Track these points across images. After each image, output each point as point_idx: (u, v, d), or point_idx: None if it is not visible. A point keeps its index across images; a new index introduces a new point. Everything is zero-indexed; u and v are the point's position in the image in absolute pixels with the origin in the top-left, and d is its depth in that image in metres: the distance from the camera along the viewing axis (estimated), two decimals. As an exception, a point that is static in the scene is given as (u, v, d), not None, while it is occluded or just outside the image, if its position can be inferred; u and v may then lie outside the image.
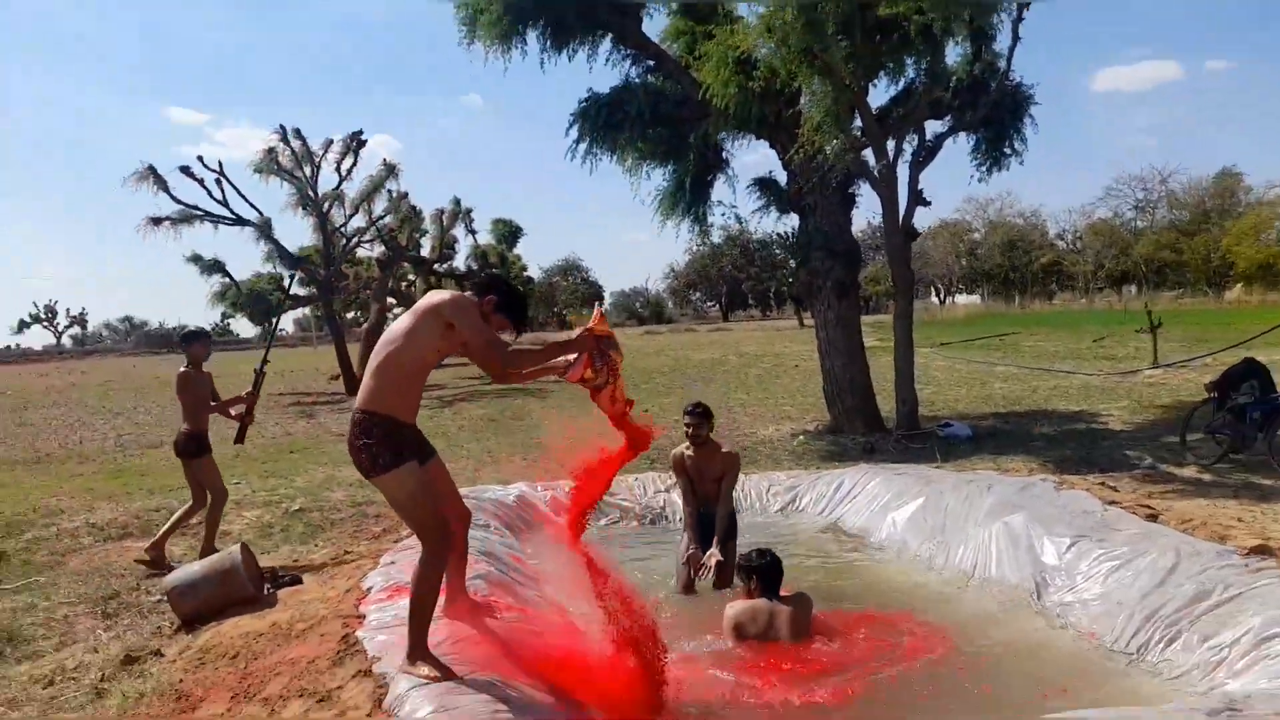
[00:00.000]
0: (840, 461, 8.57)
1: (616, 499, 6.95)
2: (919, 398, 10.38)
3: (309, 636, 4.08)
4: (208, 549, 5.74)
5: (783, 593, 4.33)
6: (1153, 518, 5.13)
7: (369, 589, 4.49)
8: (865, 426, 10.20)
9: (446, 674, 3.25)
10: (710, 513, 5.29)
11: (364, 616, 4.10)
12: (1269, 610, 3.66)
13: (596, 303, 4.40)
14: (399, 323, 3.47)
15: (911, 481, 6.36)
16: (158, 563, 5.80)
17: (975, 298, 47.55)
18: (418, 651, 3.32)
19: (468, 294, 3.54)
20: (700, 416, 5.21)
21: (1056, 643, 4.22)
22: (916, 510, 5.99)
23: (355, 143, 21.06)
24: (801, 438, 10.25)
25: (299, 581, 5.25)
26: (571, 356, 3.50)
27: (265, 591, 5.07)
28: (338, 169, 21.06)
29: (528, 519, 6.49)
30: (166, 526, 6.03)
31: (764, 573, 4.33)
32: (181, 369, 5.97)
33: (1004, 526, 5.19)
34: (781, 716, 3.59)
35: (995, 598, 4.80)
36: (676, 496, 7.02)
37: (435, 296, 3.44)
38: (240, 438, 6.18)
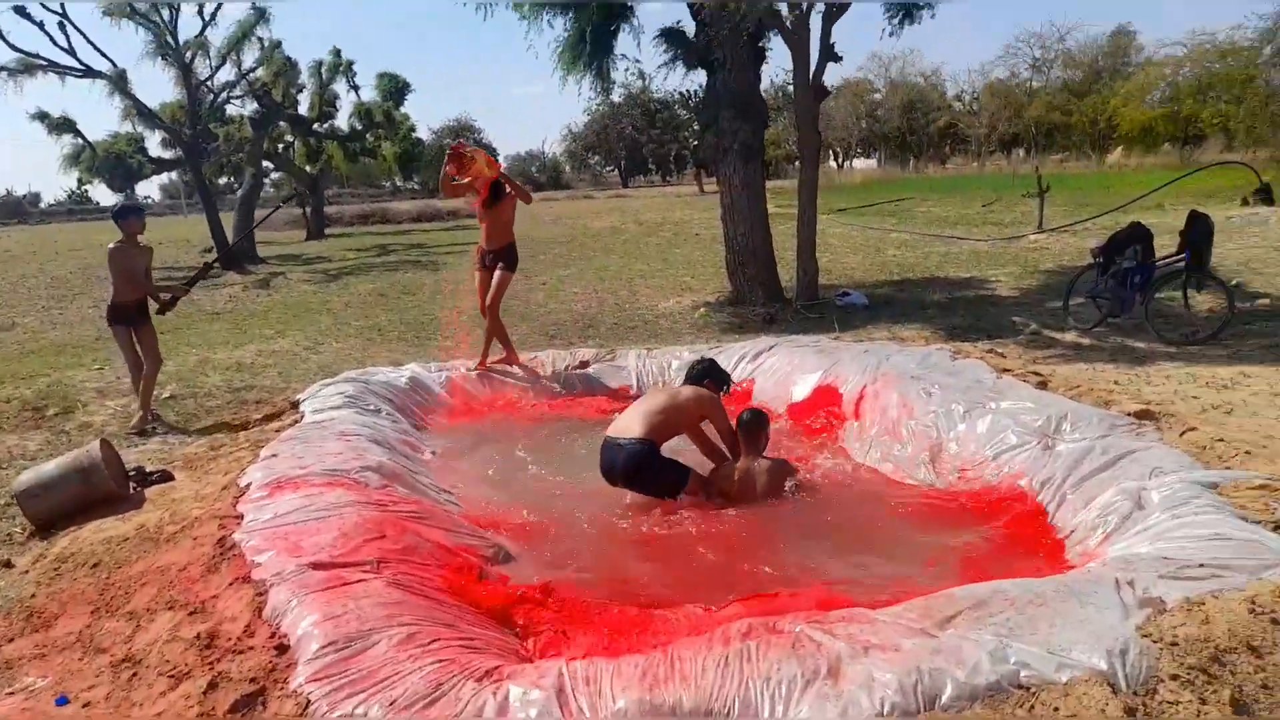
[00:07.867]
0: (740, 334, 8.53)
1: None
2: (816, 265, 10.37)
3: (180, 540, 3.77)
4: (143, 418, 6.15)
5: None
6: (1043, 385, 5.25)
7: (247, 485, 4.16)
8: (766, 296, 10.16)
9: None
10: None
11: (241, 516, 3.79)
12: (1146, 472, 3.79)
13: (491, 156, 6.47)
14: None
15: (810, 354, 6.33)
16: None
17: (872, 162, 47.70)
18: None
19: None
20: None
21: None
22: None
23: (221, -21, 18.70)
24: (703, 310, 10.15)
25: (170, 478, 4.87)
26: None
27: (131, 490, 4.69)
28: (200, 11, 18.69)
29: (423, 402, 6.21)
30: (141, 397, 6.23)
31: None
32: (113, 243, 6.24)
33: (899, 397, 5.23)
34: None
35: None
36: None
37: None
38: (162, 309, 6.50)
